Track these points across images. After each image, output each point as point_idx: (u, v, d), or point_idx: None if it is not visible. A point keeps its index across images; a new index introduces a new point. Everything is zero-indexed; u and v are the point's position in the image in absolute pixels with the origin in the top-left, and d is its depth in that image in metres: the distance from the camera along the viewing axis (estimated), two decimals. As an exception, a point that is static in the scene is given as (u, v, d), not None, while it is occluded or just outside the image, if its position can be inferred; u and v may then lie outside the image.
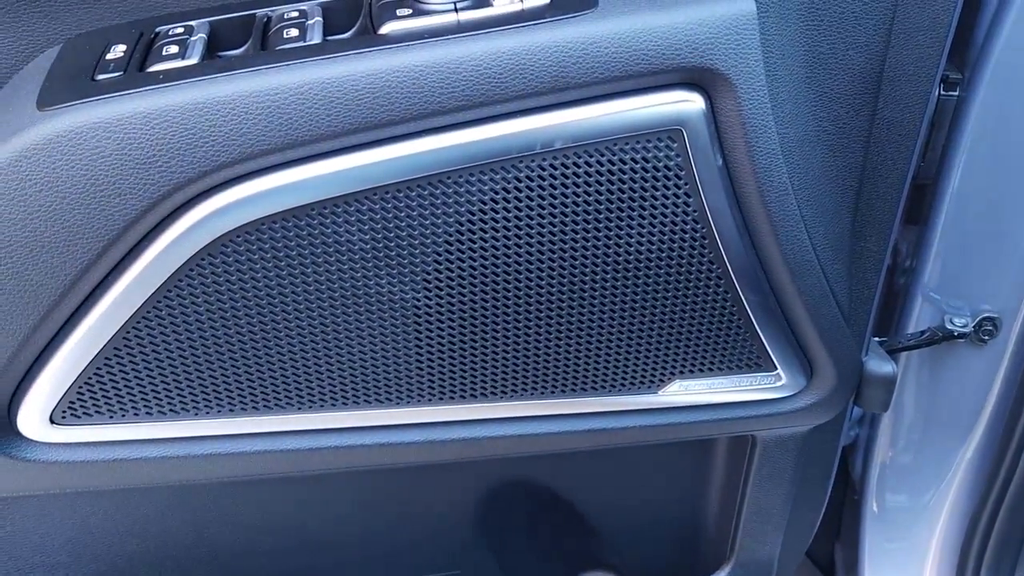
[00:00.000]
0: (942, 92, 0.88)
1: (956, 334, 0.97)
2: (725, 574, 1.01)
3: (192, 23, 0.72)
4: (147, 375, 0.73)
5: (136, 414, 0.75)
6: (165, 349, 0.72)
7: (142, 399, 0.74)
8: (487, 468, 0.95)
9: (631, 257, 0.73)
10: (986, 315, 0.96)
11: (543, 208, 0.70)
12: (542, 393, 0.80)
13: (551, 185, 0.70)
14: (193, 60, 0.68)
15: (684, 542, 1.04)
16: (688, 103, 0.68)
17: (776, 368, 0.82)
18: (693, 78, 0.68)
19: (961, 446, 1.03)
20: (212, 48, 0.71)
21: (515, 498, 0.99)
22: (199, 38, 0.70)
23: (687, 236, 0.72)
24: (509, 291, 0.73)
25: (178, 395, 0.75)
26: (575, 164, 0.69)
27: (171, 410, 0.76)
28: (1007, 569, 1.03)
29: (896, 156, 0.79)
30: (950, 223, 0.95)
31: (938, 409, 1.03)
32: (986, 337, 0.97)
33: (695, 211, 0.71)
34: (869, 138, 0.77)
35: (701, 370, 0.81)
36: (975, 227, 0.94)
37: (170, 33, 0.71)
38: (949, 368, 1.01)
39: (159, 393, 0.74)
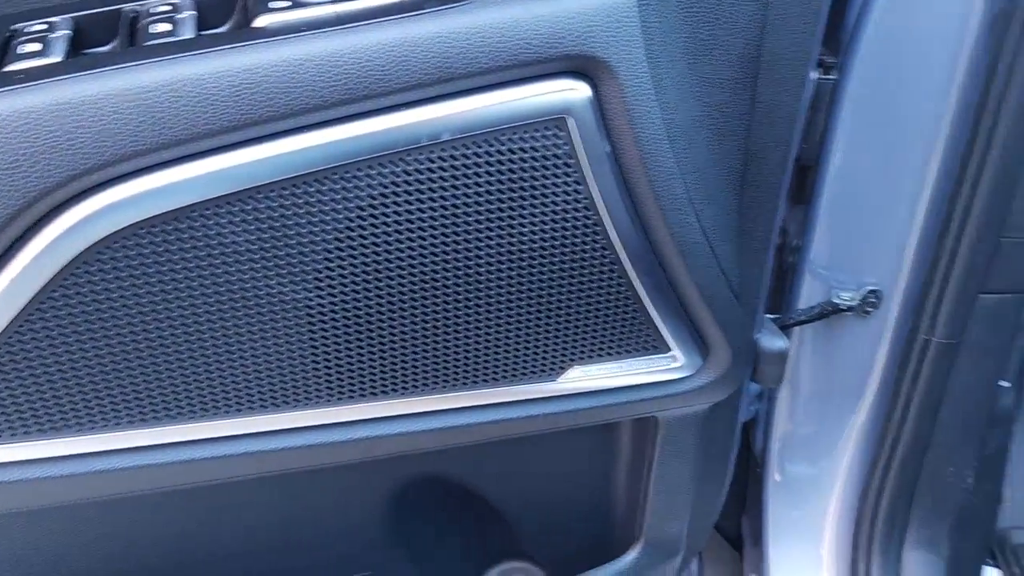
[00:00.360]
0: (819, 76, 0.91)
1: (843, 307, 1.01)
2: (636, 554, 1.02)
3: (54, 19, 0.69)
4: (23, 391, 0.69)
5: (13, 434, 0.71)
6: (42, 363, 0.68)
7: (19, 417, 0.70)
8: (391, 466, 0.94)
9: (524, 246, 0.73)
10: (870, 288, 1.01)
11: (433, 201, 0.70)
12: (441, 387, 0.79)
13: (440, 177, 0.69)
14: (56, 58, 0.65)
15: (595, 526, 1.06)
16: (573, 91, 0.69)
17: (673, 350, 0.83)
18: (577, 66, 0.68)
19: (853, 414, 1.08)
20: (76, 45, 0.67)
21: (424, 494, 0.98)
22: (62, 35, 0.66)
23: (579, 223, 0.73)
24: (403, 286, 0.73)
25: (59, 411, 0.71)
26: (463, 156, 0.69)
27: (52, 427, 0.72)
28: (899, 529, 1.08)
29: (777, 138, 0.81)
30: (833, 202, 0.99)
31: (830, 380, 1.08)
32: (870, 309, 1.02)
33: (585, 198, 0.72)
34: (751, 121, 0.80)
35: (599, 355, 0.82)
36: (856, 205, 0.99)
37: (29, 30, 0.67)
38: (838, 340, 1.05)
39: (38, 410, 0.70)
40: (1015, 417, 1.06)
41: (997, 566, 1.18)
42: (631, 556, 1.03)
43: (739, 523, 1.28)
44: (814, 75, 0.91)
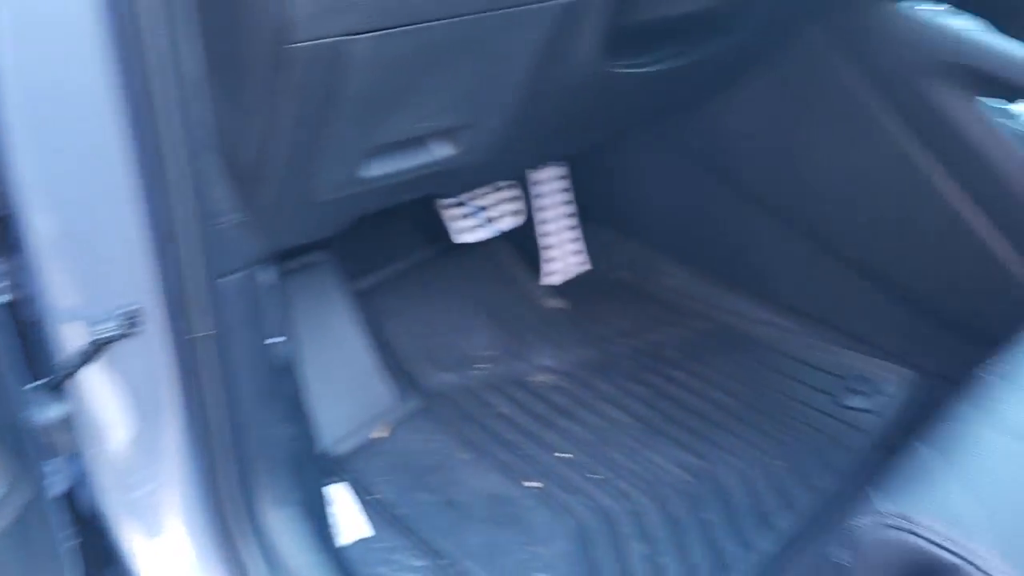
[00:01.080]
0: None
1: (108, 339, 0.96)
2: None
3: None
4: None
5: None
6: None
7: None
8: None
9: None
10: (125, 309, 0.98)
11: None
12: None
13: None
14: None
15: None
16: None
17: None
18: None
19: (170, 429, 1.07)
20: None
21: None
22: None
23: None
24: None
25: None
26: None
27: None
28: (252, 505, 1.12)
29: None
30: (46, 240, 0.92)
31: (136, 410, 1.04)
32: (136, 329, 0.99)
33: None
34: None
35: None
36: (69, 234, 0.93)
37: None
38: (127, 369, 1.01)
39: None
40: (293, 361, 1.19)
41: (333, 482, 1.35)
42: None
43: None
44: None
